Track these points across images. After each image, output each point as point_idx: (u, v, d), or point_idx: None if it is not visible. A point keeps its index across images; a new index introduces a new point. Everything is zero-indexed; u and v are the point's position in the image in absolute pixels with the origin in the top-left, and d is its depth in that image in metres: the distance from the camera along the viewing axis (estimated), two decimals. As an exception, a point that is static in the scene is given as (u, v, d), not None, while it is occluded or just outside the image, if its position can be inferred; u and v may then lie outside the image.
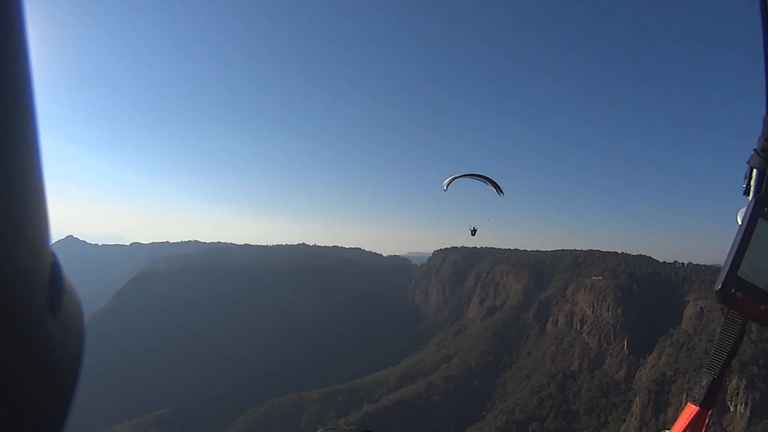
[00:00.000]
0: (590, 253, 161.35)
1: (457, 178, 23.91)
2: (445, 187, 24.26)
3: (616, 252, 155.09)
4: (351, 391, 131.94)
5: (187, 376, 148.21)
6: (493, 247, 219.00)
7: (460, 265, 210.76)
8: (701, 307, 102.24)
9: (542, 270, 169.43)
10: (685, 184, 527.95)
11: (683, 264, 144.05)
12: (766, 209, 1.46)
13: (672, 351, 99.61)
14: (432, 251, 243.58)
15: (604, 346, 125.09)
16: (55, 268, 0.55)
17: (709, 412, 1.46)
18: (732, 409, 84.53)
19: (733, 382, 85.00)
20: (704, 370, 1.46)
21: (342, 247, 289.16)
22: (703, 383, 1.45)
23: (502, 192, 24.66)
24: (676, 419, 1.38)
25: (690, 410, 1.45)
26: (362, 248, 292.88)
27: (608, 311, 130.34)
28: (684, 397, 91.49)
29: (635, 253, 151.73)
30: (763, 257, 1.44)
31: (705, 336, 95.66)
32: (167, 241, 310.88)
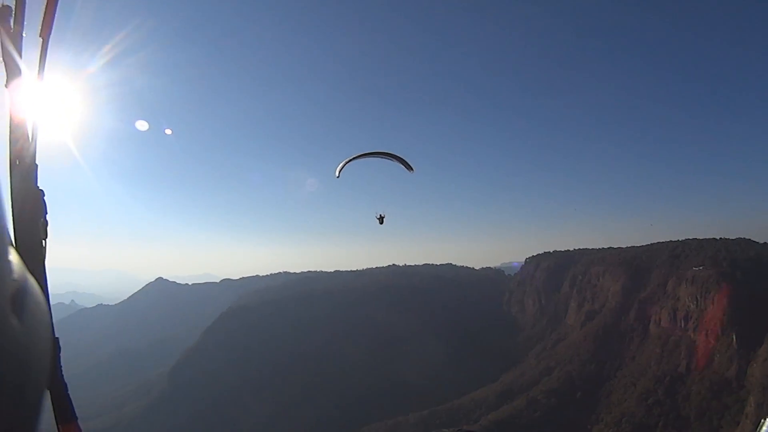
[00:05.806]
0: (687, 243, 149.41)
1: (351, 161, 21.16)
2: (337, 174, 21.81)
3: (714, 238, 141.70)
4: (449, 412, 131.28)
5: (280, 406, 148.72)
6: (586, 248, 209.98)
7: (553, 271, 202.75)
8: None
9: (639, 266, 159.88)
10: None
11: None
12: None
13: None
14: (524, 259, 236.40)
15: (712, 342, 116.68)
16: (19, 271, 0.56)
17: None
18: None
19: None
20: None
21: (433, 264, 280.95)
22: None
23: (411, 168, 22.19)
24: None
25: None
26: (453, 263, 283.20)
27: (713, 303, 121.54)
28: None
29: (734, 237, 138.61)
30: None
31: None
32: (257, 275, 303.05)
